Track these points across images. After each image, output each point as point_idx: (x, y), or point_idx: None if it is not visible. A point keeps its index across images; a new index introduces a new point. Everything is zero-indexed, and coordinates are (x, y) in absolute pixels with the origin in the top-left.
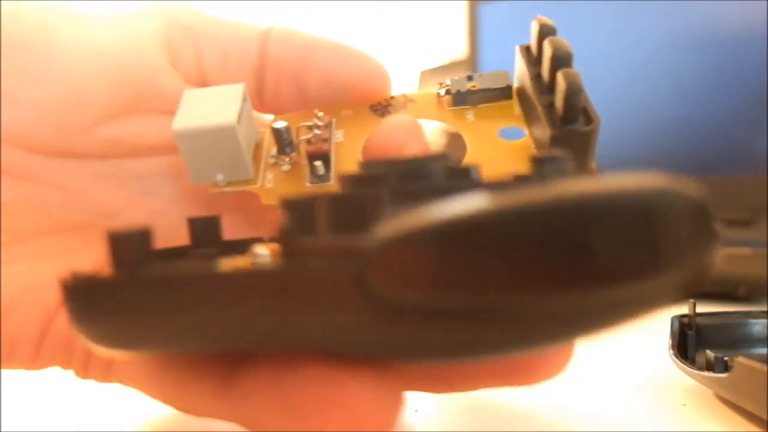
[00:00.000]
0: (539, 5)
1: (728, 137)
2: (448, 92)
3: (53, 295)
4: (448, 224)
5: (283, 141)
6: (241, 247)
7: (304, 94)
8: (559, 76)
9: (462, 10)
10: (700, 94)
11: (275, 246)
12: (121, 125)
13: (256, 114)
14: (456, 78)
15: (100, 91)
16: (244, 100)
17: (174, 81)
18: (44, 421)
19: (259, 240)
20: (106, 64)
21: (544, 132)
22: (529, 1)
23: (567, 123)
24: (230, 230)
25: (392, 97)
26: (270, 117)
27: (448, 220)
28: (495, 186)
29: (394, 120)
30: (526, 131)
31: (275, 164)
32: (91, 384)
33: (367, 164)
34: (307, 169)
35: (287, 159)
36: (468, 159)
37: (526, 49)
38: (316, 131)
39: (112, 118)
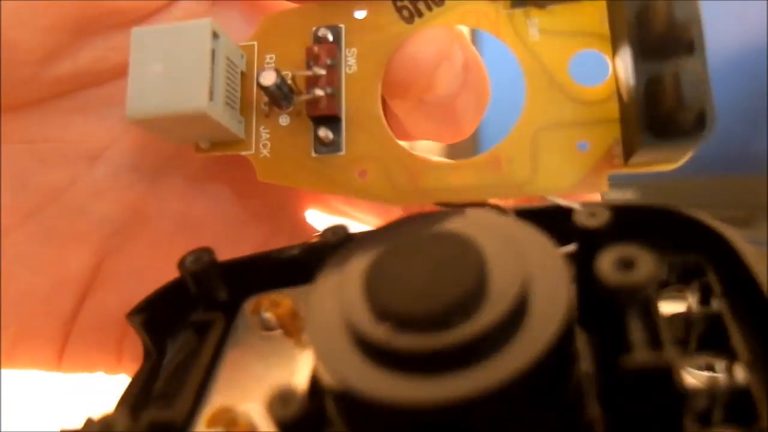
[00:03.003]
0: None
1: (728, 137)
2: None
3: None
4: None
5: (275, 98)
6: None
7: None
8: (672, 74)
9: None
10: None
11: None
12: (75, 56)
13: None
14: None
15: (30, 32)
16: (215, 40)
17: None
18: (44, 421)
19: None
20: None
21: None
22: None
23: (668, 126)
24: (216, 210)
25: None
26: None
27: None
28: None
29: (424, 40)
30: (609, 63)
31: (270, 114)
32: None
33: None
34: (311, 131)
35: (284, 112)
36: (525, 112)
37: None
38: (317, 70)
39: (59, 53)
